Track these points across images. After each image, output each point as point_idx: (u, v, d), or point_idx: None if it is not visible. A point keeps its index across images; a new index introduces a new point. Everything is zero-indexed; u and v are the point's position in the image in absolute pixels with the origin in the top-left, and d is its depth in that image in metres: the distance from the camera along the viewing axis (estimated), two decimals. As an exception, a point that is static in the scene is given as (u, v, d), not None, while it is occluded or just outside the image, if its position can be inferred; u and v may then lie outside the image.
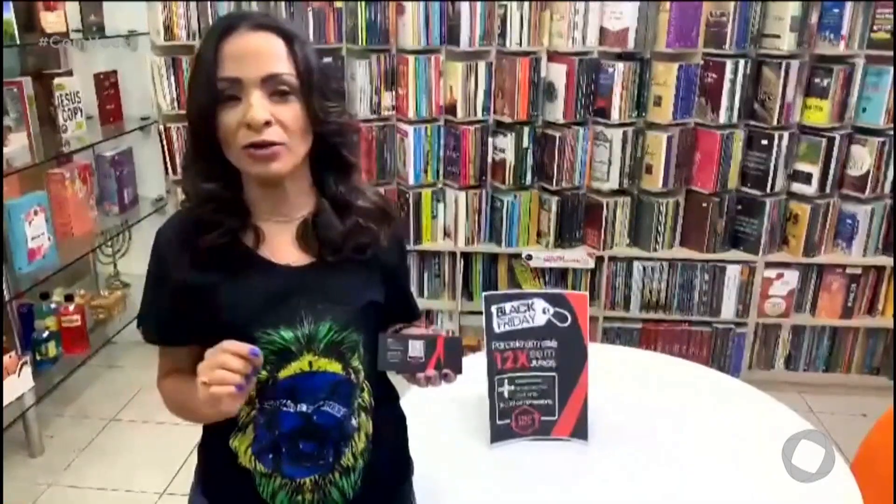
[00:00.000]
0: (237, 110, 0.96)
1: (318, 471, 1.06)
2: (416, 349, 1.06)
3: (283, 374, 1.02)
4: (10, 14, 2.51)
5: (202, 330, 1.02)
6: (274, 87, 0.96)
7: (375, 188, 1.13)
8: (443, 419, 1.57)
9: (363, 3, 2.89)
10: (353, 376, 1.07)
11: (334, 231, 1.06)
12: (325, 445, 1.06)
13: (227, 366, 0.91)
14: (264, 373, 1.02)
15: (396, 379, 1.19)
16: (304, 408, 1.04)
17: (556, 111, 2.95)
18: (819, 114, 2.87)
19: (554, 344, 1.50)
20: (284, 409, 1.04)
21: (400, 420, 1.23)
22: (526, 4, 2.86)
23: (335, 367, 1.05)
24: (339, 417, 1.05)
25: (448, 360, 1.07)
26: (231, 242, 1.04)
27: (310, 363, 1.03)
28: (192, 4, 2.96)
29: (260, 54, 0.96)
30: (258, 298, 1.02)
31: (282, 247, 1.06)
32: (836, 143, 2.88)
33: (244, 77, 0.95)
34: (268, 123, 0.96)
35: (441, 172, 3.10)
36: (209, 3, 2.96)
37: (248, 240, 1.05)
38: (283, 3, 2.92)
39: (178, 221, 1.09)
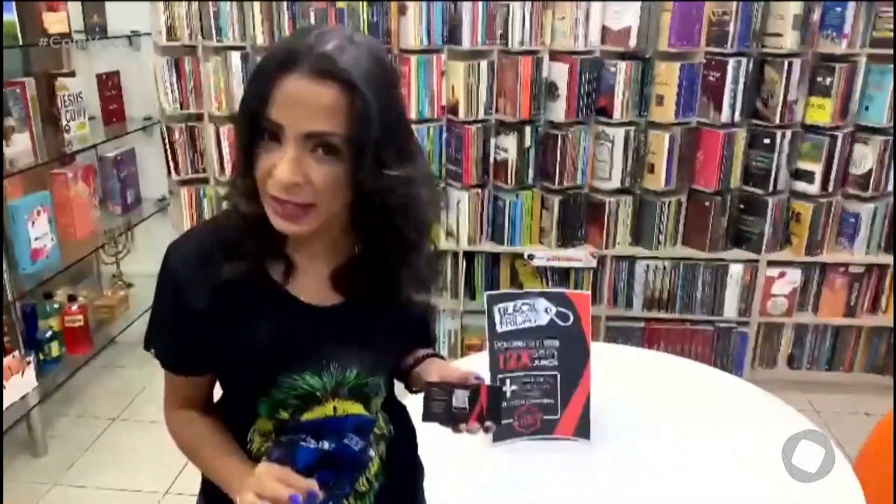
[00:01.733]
0: (273, 155, 0.86)
1: (333, 499, 1.03)
2: (459, 399, 1.01)
3: (306, 417, 0.99)
4: (12, 15, 2.51)
5: (220, 363, 0.98)
6: (318, 144, 0.85)
7: (431, 248, 1.01)
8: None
9: (365, 4, 2.90)
10: (375, 413, 1.05)
11: (369, 288, 0.98)
12: (341, 474, 1.03)
13: (278, 499, 0.86)
14: (285, 414, 0.98)
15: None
16: (325, 445, 1.00)
17: (558, 110, 2.95)
18: (822, 112, 2.87)
19: (556, 343, 1.50)
20: (304, 444, 0.99)
21: (410, 434, 1.19)
22: (528, 4, 2.86)
23: (358, 408, 1.02)
24: (357, 451, 1.02)
25: (490, 409, 1.02)
26: (256, 274, 0.95)
27: (334, 408, 0.99)
28: (195, 5, 2.97)
29: (311, 108, 0.83)
30: (284, 340, 0.95)
31: (310, 284, 0.98)
32: (839, 141, 2.87)
33: (287, 126, 0.84)
34: (296, 184, 0.85)
35: (443, 172, 3.10)
36: (210, 2, 2.96)
37: (275, 272, 0.96)
38: (284, 4, 2.92)
39: (196, 241, 0.98)
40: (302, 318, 0.97)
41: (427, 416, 1.02)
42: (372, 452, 1.06)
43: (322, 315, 0.98)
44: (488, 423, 1.02)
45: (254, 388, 0.98)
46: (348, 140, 0.84)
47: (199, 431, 1.04)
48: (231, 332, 0.94)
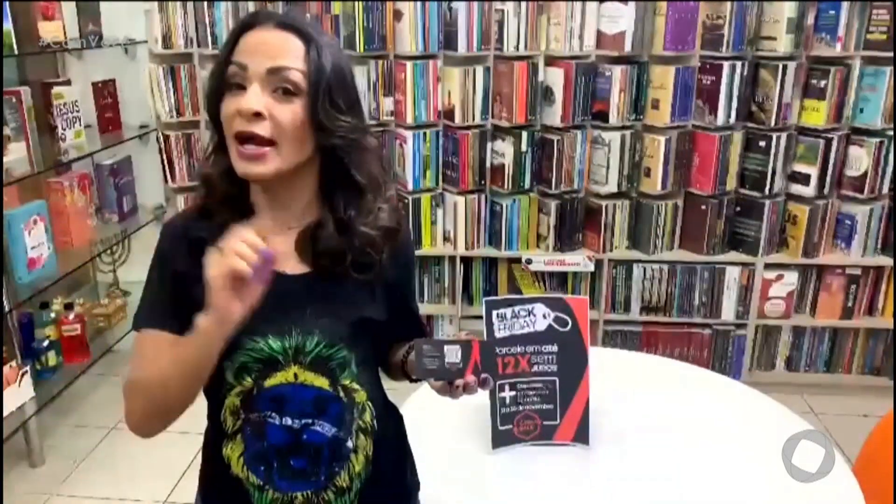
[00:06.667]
0: (239, 97, 0.94)
1: (311, 487, 1.04)
2: (452, 355, 1.02)
3: (269, 383, 1.01)
4: (8, 24, 2.51)
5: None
6: (279, 84, 0.94)
7: (389, 202, 1.08)
8: (444, 425, 1.57)
9: (360, 9, 2.90)
10: (342, 394, 1.04)
11: (332, 245, 1.02)
12: (316, 463, 1.04)
13: (240, 252, 0.88)
14: (249, 380, 1.01)
15: (398, 386, 1.19)
16: (289, 422, 1.02)
17: (554, 115, 2.96)
18: (816, 115, 2.88)
19: (555, 348, 1.50)
20: (270, 420, 1.02)
21: (401, 439, 1.20)
22: (523, 9, 2.87)
23: (322, 381, 1.02)
24: (328, 437, 1.03)
25: (484, 364, 1.02)
26: None
27: (295, 375, 1.01)
28: (190, 13, 2.97)
29: (272, 48, 0.95)
30: None
31: (278, 253, 1.01)
32: (834, 144, 2.88)
33: (251, 65, 0.94)
34: (259, 115, 0.93)
35: (440, 177, 3.10)
36: (206, 3, 2.95)
37: None
38: (279, 5, 2.92)
39: (183, 214, 1.10)
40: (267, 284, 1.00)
41: (421, 373, 1.02)
42: (350, 444, 1.06)
43: (286, 281, 1.01)
44: (484, 375, 1.03)
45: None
46: (306, 78, 0.94)
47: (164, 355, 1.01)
48: (202, 291, 0.96)
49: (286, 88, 0.94)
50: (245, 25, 0.97)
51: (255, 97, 0.93)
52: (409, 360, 1.13)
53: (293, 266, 1.04)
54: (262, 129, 0.94)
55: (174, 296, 1.01)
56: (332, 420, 1.03)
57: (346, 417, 1.05)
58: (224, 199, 1.02)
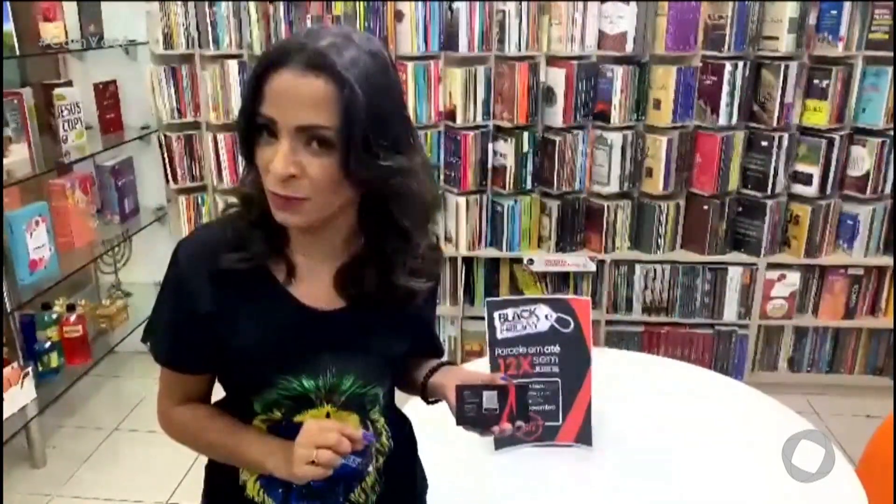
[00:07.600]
0: (271, 149, 0.87)
1: None
2: (490, 401, 1.02)
3: (299, 418, 0.98)
4: (9, 25, 2.51)
5: (217, 361, 0.98)
6: (310, 138, 0.86)
7: (431, 240, 1.03)
8: (447, 426, 1.56)
9: (361, 10, 2.90)
10: (370, 428, 1.04)
11: (372, 290, 0.98)
12: (336, 484, 1.03)
13: (338, 448, 0.89)
14: (278, 414, 0.99)
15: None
16: None
17: (555, 115, 2.95)
18: (818, 115, 2.87)
19: (557, 349, 1.50)
20: None
21: (411, 444, 1.19)
22: (524, 9, 2.86)
23: (353, 419, 1.01)
24: (353, 467, 0.99)
25: (519, 409, 1.03)
26: (259, 273, 0.96)
27: (328, 414, 0.99)
28: (191, 13, 2.97)
29: (301, 100, 0.85)
30: (280, 341, 0.96)
31: (314, 286, 0.98)
32: (836, 144, 2.88)
33: (279, 120, 0.86)
34: (292, 176, 0.86)
35: (441, 178, 3.10)
36: (207, 3, 2.95)
37: (278, 273, 0.97)
38: (281, 5, 2.93)
39: (204, 238, 0.99)
40: (301, 321, 0.97)
41: (461, 420, 1.03)
42: (371, 468, 1.05)
43: (322, 319, 0.98)
44: (519, 423, 1.03)
45: (248, 386, 0.99)
46: (339, 130, 0.85)
47: (205, 414, 1.04)
48: (229, 330, 0.96)
49: (320, 141, 0.86)
50: (273, 64, 0.86)
51: (283, 161, 0.86)
52: (429, 384, 1.11)
53: (328, 301, 0.99)
54: (296, 189, 0.87)
55: (195, 334, 0.97)
56: (359, 453, 1.01)
57: (371, 449, 1.04)
58: (259, 219, 0.94)
